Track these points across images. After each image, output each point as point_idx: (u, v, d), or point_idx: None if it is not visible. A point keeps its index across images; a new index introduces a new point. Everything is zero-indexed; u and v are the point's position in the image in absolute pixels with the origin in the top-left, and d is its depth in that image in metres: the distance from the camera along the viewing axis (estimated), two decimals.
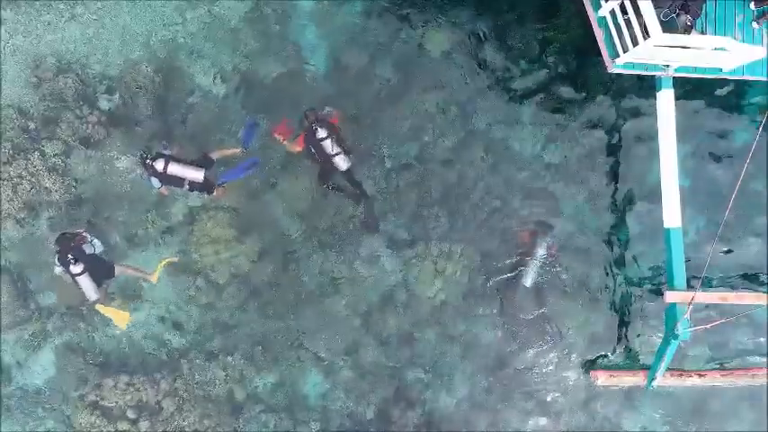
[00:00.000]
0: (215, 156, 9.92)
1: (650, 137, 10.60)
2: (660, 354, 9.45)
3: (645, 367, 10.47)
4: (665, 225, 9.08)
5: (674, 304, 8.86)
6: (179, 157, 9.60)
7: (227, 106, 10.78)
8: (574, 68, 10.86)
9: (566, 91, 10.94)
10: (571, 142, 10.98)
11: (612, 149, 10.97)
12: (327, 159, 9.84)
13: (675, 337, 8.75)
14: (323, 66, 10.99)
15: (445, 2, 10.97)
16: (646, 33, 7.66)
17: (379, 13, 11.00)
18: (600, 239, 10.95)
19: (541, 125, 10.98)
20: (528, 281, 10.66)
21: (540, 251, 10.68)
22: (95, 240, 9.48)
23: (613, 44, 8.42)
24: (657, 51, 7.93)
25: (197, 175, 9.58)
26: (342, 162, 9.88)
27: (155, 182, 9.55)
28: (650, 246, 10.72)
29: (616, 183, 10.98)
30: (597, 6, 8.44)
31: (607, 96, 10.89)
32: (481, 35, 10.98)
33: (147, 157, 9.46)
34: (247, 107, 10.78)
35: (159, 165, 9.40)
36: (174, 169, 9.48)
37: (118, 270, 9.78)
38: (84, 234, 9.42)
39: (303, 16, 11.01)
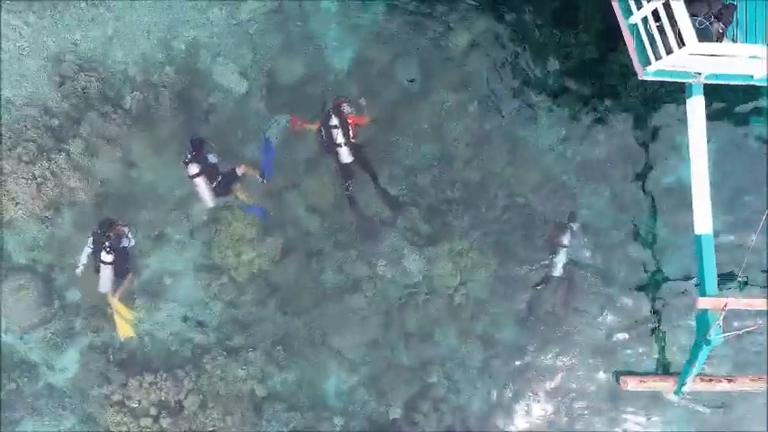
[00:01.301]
0: (240, 171, 10.00)
1: (673, 137, 10.85)
2: (691, 359, 9.42)
3: (674, 372, 10.46)
4: (696, 231, 9.04)
5: (705, 310, 8.84)
6: (211, 172, 9.63)
7: (249, 106, 10.89)
8: (594, 68, 10.92)
9: (586, 90, 11.05)
10: (592, 140, 11.05)
11: (635, 148, 11.01)
12: (333, 148, 9.98)
13: (708, 342, 8.73)
14: (345, 65, 11.09)
15: (467, 3, 11.06)
16: (680, 41, 7.67)
17: (401, 13, 11.10)
18: (624, 240, 10.97)
19: (563, 123, 11.07)
20: (556, 271, 10.67)
21: (567, 240, 10.67)
22: (131, 236, 9.54)
23: (644, 51, 8.42)
24: (691, 59, 7.95)
25: (208, 202, 9.77)
26: (345, 154, 9.98)
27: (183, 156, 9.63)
28: (678, 248, 10.74)
29: (640, 182, 11.01)
30: (628, 14, 8.42)
31: (629, 95, 10.96)
32: (503, 35, 11.09)
33: (192, 148, 9.53)
34: (270, 107, 10.90)
35: (192, 169, 9.48)
36: (199, 183, 9.58)
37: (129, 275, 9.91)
38: (124, 227, 9.46)
39: (325, 16, 11.10)
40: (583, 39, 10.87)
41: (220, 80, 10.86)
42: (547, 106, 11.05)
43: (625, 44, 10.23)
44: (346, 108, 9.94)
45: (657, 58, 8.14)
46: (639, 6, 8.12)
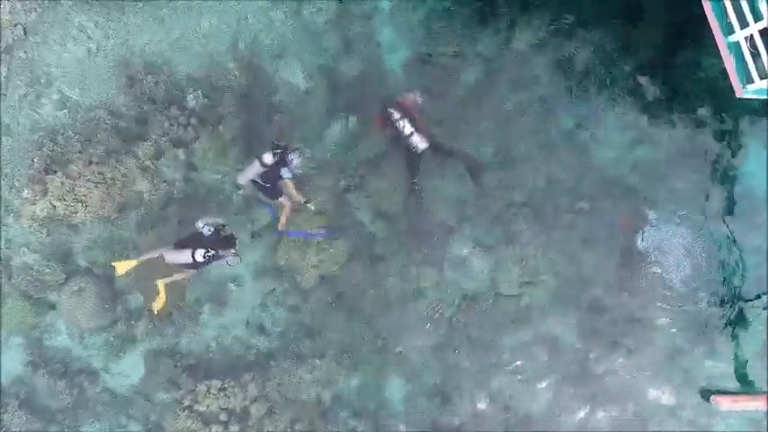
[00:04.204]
0: (282, 201, 9.95)
1: (743, 140, 10.48)
2: None
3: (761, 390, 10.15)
4: None
5: None
6: (270, 175, 9.50)
7: (311, 106, 10.73)
8: (661, 68, 10.49)
9: (654, 90, 10.60)
10: (659, 143, 10.65)
11: (704, 152, 10.58)
12: (405, 141, 9.85)
13: None
14: (403, 64, 10.89)
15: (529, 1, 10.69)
16: None
17: (462, 11, 10.78)
18: (693, 245, 10.58)
19: (629, 125, 10.70)
20: (644, 242, 10.51)
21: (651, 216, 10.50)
22: (232, 262, 9.29)
23: (745, 69, 8.00)
24: None
25: (242, 179, 9.65)
26: (419, 142, 9.84)
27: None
28: (760, 261, 10.38)
29: (710, 186, 10.59)
30: (728, 31, 7.97)
31: (697, 97, 10.50)
32: (567, 34, 10.70)
33: (284, 147, 9.39)
34: (332, 105, 10.75)
35: (267, 158, 9.31)
36: (254, 168, 9.47)
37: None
38: (236, 253, 9.27)
39: (384, 16, 10.90)
40: (650, 38, 10.42)
41: (284, 81, 10.77)
42: (612, 107, 10.68)
43: (692, 43, 9.97)
44: (406, 100, 9.93)
45: (763, 77, 7.71)
46: (744, 24, 7.67)
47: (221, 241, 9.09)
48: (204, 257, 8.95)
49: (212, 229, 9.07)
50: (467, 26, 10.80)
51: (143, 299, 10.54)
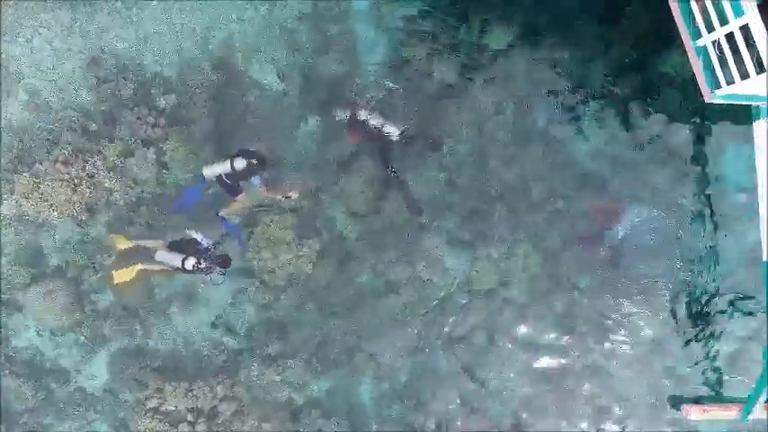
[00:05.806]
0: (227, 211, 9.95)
1: (718, 141, 10.33)
2: (759, 387, 9.08)
3: (733, 397, 10.07)
4: (765, 259, 8.65)
5: None
6: (236, 177, 9.47)
7: (284, 106, 10.63)
8: (636, 70, 10.40)
9: (627, 92, 10.49)
10: (633, 143, 10.54)
11: (677, 152, 10.46)
12: (379, 134, 9.71)
13: None
14: (379, 64, 10.76)
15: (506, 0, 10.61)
16: (758, 67, 7.12)
17: (438, 10, 10.71)
18: (666, 246, 10.48)
19: (603, 125, 10.59)
20: (619, 241, 10.44)
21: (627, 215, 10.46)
22: (217, 278, 9.42)
23: (713, 74, 7.87)
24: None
25: (208, 173, 9.55)
26: (392, 128, 9.68)
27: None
28: (738, 269, 10.27)
29: (685, 187, 10.46)
30: (696, 35, 7.84)
31: (673, 98, 10.37)
32: (542, 33, 10.61)
33: (262, 159, 9.40)
34: (305, 105, 10.62)
35: (239, 163, 9.29)
36: (223, 168, 9.41)
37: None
38: (222, 272, 9.37)
39: (360, 15, 10.78)
40: (626, 40, 10.36)
41: (256, 81, 10.65)
42: (586, 108, 10.60)
43: (669, 47, 9.83)
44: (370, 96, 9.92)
45: (729, 82, 7.59)
46: (710, 28, 7.53)
47: (214, 257, 9.20)
48: (193, 267, 9.05)
49: (211, 242, 9.22)
50: (443, 25, 10.69)
51: (113, 299, 10.49)
